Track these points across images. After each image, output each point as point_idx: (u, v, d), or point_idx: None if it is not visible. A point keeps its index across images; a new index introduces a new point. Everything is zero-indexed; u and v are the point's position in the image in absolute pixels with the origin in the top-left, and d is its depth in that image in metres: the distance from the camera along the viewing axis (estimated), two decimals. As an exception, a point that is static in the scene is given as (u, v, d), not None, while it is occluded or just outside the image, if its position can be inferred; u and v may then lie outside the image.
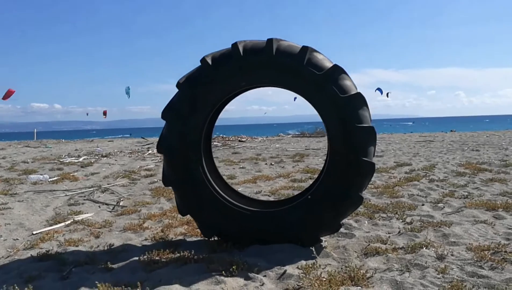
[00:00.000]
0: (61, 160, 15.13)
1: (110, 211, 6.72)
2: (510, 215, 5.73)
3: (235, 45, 4.41)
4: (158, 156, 16.17)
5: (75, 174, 11.17)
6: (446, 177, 9.05)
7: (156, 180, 9.63)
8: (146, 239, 5.04)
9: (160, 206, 6.87)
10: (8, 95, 26.80)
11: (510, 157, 12.98)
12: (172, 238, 5.05)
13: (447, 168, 10.69)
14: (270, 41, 4.39)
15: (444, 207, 6.18)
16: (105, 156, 16.79)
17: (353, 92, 4.29)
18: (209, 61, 4.42)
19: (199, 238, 4.95)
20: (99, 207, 7.04)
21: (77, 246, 4.86)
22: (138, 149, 20.04)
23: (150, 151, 18.36)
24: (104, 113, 47.84)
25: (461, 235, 4.85)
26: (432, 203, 6.48)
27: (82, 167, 13.18)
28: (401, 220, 5.53)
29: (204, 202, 4.53)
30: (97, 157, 16.44)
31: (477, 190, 7.57)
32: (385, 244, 4.57)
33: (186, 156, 4.47)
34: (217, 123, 5.19)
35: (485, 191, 7.46)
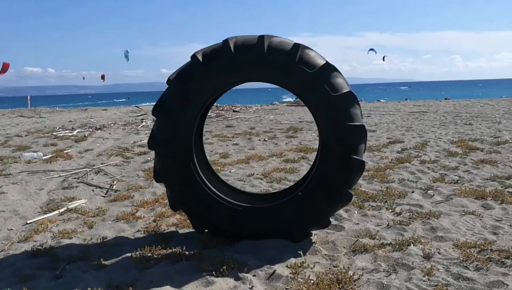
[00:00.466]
0: (55, 133, 15.11)
1: (104, 196, 6.77)
2: (498, 204, 5.82)
3: (226, 42, 4.37)
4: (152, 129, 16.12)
5: (69, 151, 11.17)
6: (437, 158, 9.12)
7: (149, 158, 9.66)
8: (138, 231, 5.11)
9: (153, 191, 6.92)
10: (4, 69, 26.67)
11: (503, 132, 13.06)
12: (164, 229, 5.12)
13: (439, 146, 10.76)
14: (261, 38, 4.35)
15: (433, 195, 6.26)
16: (99, 128, 16.77)
17: (344, 91, 4.29)
18: (200, 58, 4.39)
19: (191, 230, 5.02)
20: (93, 191, 7.09)
21: (70, 238, 4.92)
22: (131, 120, 19.99)
23: (143, 123, 18.33)
24: (102, 77, 48.23)
25: (448, 228, 4.94)
26: (422, 189, 6.56)
27: (76, 141, 13.19)
28: (390, 210, 5.61)
29: (196, 198, 4.57)
30: (91, 130, 16.42)
31: (467, 173, 7.66)
32: (374, 239, 4.66)
33: (177, 152, 4.49)
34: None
35: (476, 175, 7.54)
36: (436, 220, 5.24)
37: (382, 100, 40.11)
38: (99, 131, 15.91)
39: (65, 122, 20.19)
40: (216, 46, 4.48)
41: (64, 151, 10.96)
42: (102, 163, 9.30)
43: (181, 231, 5.08)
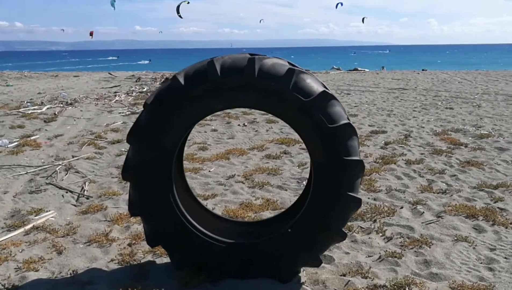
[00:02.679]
0: (22, 110, 14.37)
1: (74, 205, 6.31)
2: (490, 225, 5.59)
3: (211, 63, 3.91)
4: (125, 106, 15.56)
5: (37, 136, 10.57)
6: (422, 156, 8.87)
7: (123, 149, 9.15)
8: (112, 260, 4.71)
9: (126, 198, 6.48)
10: None
11: (484, 120, 12.91)
12: (140, 258, 4.73)
13: (423, 138, 10.54)
14: (251, 60, 3.90)
15: (423, 212, 5.99)
16: (70, 104, 16.05)
17: (342, 122, 3.90)
18: (181, 80, 3.92)
19: (168, 260, 4.63)
20: (63, 196, 6.62)
21: (37, 270, 4.50)
22: (104, 93, 19.24)
23: (117, 98, 17.66)
24: (91, 34, 48.28)
25: (443, 262, 4.68)
26: (411, 204, 6.29)
27: (45, 122, 12.60)
28: (380, 234, 5.32)
29: (176, 233, 4.19)
30: (61, 105, 15.70)
31: (455, 179, 7.42)
32: (366, 278, 4.37)
33: (155, 183, 4.07)
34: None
35: (463, 182, 7.32)
36: (428, 249, 4.98)
37: (359, 68, 39.82)
38: (70, 108, 15.24)
39: (34, 93, 19.33)
40: (200, 67, 4.00)
41: (32, 138, 10.34)
42: (73, 156, 8.77)
43: (158, 260, 4.70)
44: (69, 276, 4.40)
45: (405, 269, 4.57)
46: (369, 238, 5.24)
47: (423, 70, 37.99)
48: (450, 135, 10.99)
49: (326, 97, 3.91)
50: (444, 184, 7.20)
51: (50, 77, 28.78)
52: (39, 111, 14.26)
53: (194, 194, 4.89)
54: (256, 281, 4.18)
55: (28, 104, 15.68)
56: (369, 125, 12.22)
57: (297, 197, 6.26)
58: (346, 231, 4.13)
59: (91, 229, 5.47)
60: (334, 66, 43.10)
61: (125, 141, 4.01)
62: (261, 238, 4.38)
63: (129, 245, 5.06)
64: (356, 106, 15.78)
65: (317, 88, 3.95)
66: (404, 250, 4.97)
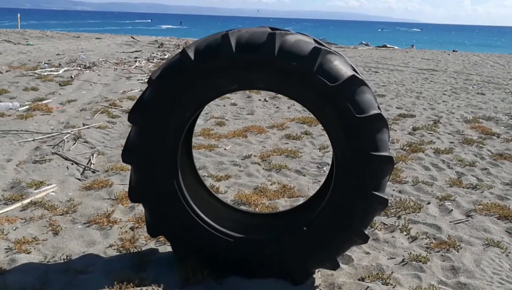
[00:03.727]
0: (38, 71, 14.07)
1: (79, 179, 5.96)
2: (525, 229, 5.09)
3: (226, 37, 3.42)
4: (144, 72, 15.17)
5: (50, 101, 10.25)
6: (452, 145, 8.30)
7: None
8: (111, 246, 4.34)
9: (135, 174, 6.12)
10: None
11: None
12: (142, 244, 4.36)
13: (453, 125, 9.95)
14: (272, 36, 3.40)
15: (451, 209, 5.49)
16: (88, 67, 15.71)
17: (372, 112, 3.41)
18: (191, 55, 3.45)
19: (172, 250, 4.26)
20: (67, 168, 6.27)
21: (29, 253, 4.15)
22: (124, 58, 18.85)
23: (137, 63, 17.27)
24: None
25: (472, 271, 4.21)
26: (438, 199, 5.79)
27: (60, 85, 12.26)
28: (405, 233, 4.86)
29: (180, 223, 3.79)
30: (79, 68, 15.37)
31: (486, 174, 6.88)
32: (387, 284, 3.93)
33: (159, 167, 3.66)
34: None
35: (495, 177, 6.77)
36: (456, 253, 4.51)
37: (389, 45, 38.71)
38: (87, 71, 14.89)
39: (53, 54, 19.03)
40: (213, 41, 3.52)
41: (44, 102, 10.02)
42: (84, 124, 8.41)
43: (161, 249, 4.33)
44: (62, 261, 4.05)
45: (430, 276, 4.12)
46: (393, 237, 4.78)
47: (454, 51, 36.75)
48: (482, 123, 10.37)
49: (355, 83, 3.41)
50: (475, 179, 6.68)
51: (72, 38, 28.48)
52: (55, 73, 13.94)
53: (203, 180, 4.46)
54: (264, 282, 3.77)
55: (46, 65, 15.38)
56: (397, 108, 11.63)
57: (316, 184, 5.83)
58: (368, 233, 3.67)
59: (93, 207, 5.11)
60: (363, 42, 42.01)
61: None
62: (273, 233, 3.96)
63: (131, 228, 4.70)
64: (384, 85, 15.13)
65: (346, 71, 3.45)
66: (430, 253, 4.51)
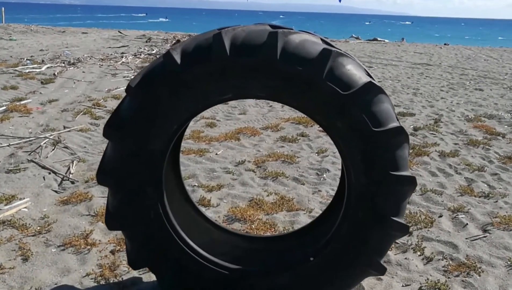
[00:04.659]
0: (19, 69, 13.40)
1: (55, 191, 5.40)
2: (548, 246, 4.62)
3: (218, 38, 2.87)
4: (131, 69, 14.56)
5: (29, 101, 9.63)
6: (456, 147, 7.82)
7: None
8: (88, 275, 3.80)
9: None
10: None
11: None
12: (123, 273, 3.82)
13: (455, 124, 9.48)
14: (273, 36, 2.86)
15: (466, 223, 5.00)
16: (73, 63, 15.06)
17: (391, 125, 2.89)
18: (177, 58, 2.90)
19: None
20: (44, 178, 5.70)
21: (-7, 285, 3.61)
22: (111, 53, 18.19)
23: (123, 59, 16.64)
24: None
25: (499, 300, 3.74)
26: (450, 211, 5.30)
27: (42, 83, 11.63)
28: (419, 253, 4.36)
29: (165, 253, 3.25)
30: (63, 65, 14.72)
31: (497, 180, 6.41)
32: (405, 320, 3.43)
33: (140, 189, 3.11)
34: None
35: (507, 183, 6.30)
36: (478, 277, 4.02)
37: (379, 39, 38.28)
38: (71, 68, 14.24)
39: (36, 50, 18.31)
40: (203, 41, 2.97)
41: (23, 102, 9.40)
42: (64, 127, 7.82)
43: (144, 277, 3.79)
44: (30, 297, 3.51)
45: (453, 308, 3.63)
46: (406, 258, 4.28)
47: (445, 44, 36.40)
48: (484, 122, 9.91)
49: (372, 91, 2.89)
50: (486, 185, 6.20)
51: (57, 33, 27.67)
52: (37, 70, 13.30)
53: (192, 200, 3.91)
54: (264, 320, 3.26)
55: (28, 62, 14.73)
56: (395, 105, 11.10)
57: (316, 194, 5.33)
58: (385, 266, 3.16)
59: (70, 226, 4.56)
60: (353, 35, 41.52)
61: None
62: (275, 264, 3.44)
63: (112, 252, 4.15)
64: (379, 81, 14.63)
65: (360, 77, 2.93)
66: (449, 277, 4.02)
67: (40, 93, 10.50)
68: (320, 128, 7.80)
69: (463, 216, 5.19)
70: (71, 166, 6.14)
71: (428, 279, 3.95)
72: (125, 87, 3.06)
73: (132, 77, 3.07)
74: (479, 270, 4.12)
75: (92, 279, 3.76)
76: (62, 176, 5.81)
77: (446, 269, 4.14)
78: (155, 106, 2.94)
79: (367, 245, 3.08)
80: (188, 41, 3.05)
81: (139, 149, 3.02)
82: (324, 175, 6.16)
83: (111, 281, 3.73)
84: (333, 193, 5.56)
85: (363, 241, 3.08)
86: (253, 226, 4.65)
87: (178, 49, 2.95)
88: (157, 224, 3.19)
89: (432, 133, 8.68)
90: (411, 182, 2.96)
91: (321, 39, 3.17)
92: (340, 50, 3.00)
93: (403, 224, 3.03)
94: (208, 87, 2.92)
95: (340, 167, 6.25)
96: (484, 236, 4.78)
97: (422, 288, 3.84)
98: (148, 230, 3.20)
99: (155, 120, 2.97)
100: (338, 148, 3.01)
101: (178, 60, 2.89)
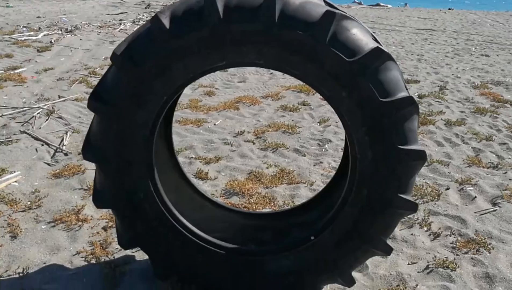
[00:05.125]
0: (15, 36, 13.07)
1: (48, 164, 5.20)
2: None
3: (210, 0, 2.60)
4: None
5: (25, 69, 9.35)
6: (463, 117, 7.55)
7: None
8: (79, 253, 3.63)
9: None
10: None
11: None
12: (115, 251, 3.65)
13: (461, 92, 9.19)
14: (271, -4, 2.59)
15: (475, 196, 4.80)
16: (70, 31, 14.68)
17: (399, 95, 2.66)
18: (166, 23, 2.64)
19: (152, 257, 3.55)
20: (36, 150, 5.50)
21: (-21, 264, 3.44)
22: (109, 21, 17.77)
23: (122, 26, 16.23)
24: None
25: (510, 279, 3.55)
26: (458, 183, 5.09)
27: (38, 51, 11.32)
28: (425, 228, 4.18)
29: (157, 233, 3.06)
30: (60, 32, 14.35)
31: (506, 150, 6.18)
32: (411, 301, 3.27)
33: (129, 164, 2.90)
34: None
35: (516, 153, 6.09)
36: (488, 254, 3.85)
37: (382, 4, 37.46)
38: (68, 35, 13.87)
39: (33, 17, 17.87)
40: (194, 4, 2.70)
41: (17, 71, 9.12)
42: (59, 97, 7.58)
43: (138, 255, 3.62)
44: (16, 276, 3.34)
45: (462, 288, 3.45)
46: (412, 234, 4.10)
47: (449, 9, 35.60)
48: (491, 89, 9.61)
49: (379, 57, 2.64)
50: (494, 156, 5.98)
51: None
52: (34, 38, 12.94)
53: (187, 176, 3.69)
54: (263, 301, 3.09)
55: (24, 29, 14.34)
56: (398, 72, 10.81)
57: (317, 166, 5.12)
58: (391, 246, 2.97)
59: (61, 201, 4.38)
60: (356, 0, 40.63)
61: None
62: (274, 243, 3.26)
63: (104, 228, 3.98)
64: (382, 48, 14.24)
65: (367, 42, 2.67)
66: (458, 255, 3.84)
67: (36, 61, 10.21)
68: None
69: (471, 188, 4.99)
70: (64, 137, 5.93)
71: (435, 256, 3.77)
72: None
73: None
74: (489, 246, 3.94)
75: (82, 257, 3.60)
76: (55, 148, 5.61)
77: (454, 245, 3.96)
78: (142, 75, 2.70)
79: (372, 224, 2.88)
80: (178, 3, 2.78)
81: (126, 123, 2.79)
82: (326, 146, 5.95)
83: (102, 260, 3.56)
84: (335, 165, 5.36)
85: (367, 220, 2.88)
86: (252, 201, 4.46)
87: (166, 13, 2.69)
88: (147, 202, 2.98)
89: (437, 101, 8.41)
90: (421, 156, 2.74)
91: (324, 1, 2.90)
92: (345, 12, 2.74)
93: (411, 201, 2.82)
94: (199, 55, 2.67)
95: (342, 138, 6.04)
96: (494, 210, 4.58)
97: (430, 266, 3.67)
98: (138, 209, 3.00)
99: (142, 91, 2.73)
100: (341, 121, 2.77)
101: (167, 25, 2.63)
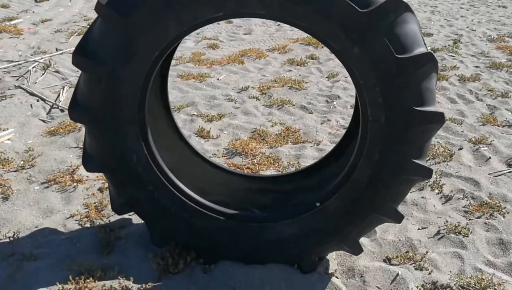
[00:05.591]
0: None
1: (43, 121, 4.99)
2: None
3: None
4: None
5: (21, 20, 9.02)
6: (478, 73, 7.21)
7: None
8: (73, 216, 3.47)
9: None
10: None
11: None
12: (111, 213, 3.47)
13: (476, 46, 8.79)
14: None
15: (489, 157, 4.57)
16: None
17: (417, 51, 2.39)
18: (158, -32, 2.36)
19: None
20: (31, 106, 5.28)
21: (-33, 229, 3.28)
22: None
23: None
24: None
25: (526, 246, 3.37)
26: (472, 143, 4.85)
27: (36, 1, 10.96)
28: (437, 191, 3.98)
29: (153, 198, 2.87)
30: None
31: (523, 107, 5.91)
32: (421, 269, 3.09)
33: (120, 125, 2.68)
34: None
35: (533, 110, 5.81)
36: (502, 219, 3.66)
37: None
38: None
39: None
40: None
41: (14, 22, 8.79)
42: (57, 50, 7.29)
43: (135, 218, 3.44)
44: (7, 241, 3.18)
45: (474, 254, 3.27)
46: (422, 197, 3.90)
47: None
48: (508, 42, 9.20)
49: (396, 8, 2.36)
50: (510, 114, 5.73)
51: None
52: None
53: (184, 136, 3.46)
54: (264, 269, 2.94)
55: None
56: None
57: (325, 124, 4.90)
58: (402, 214, 2.77)
59: (55, 160, 4.19)
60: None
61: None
62: (276, 208, 3.07)
63: (100, 190, 3.80)
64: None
65: (383, -10, 2.38)
66: (470, 219, 3.65)
67: (33, 12, 9.84)
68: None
69: (485, 148, 4.75)
70: (61, 92, 5.69)
71: (447, 221, 3.58)
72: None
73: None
74: (504, 210, 3.74)
75: (76, 221, 3.43)
76: (51, 104, 5.39)
77: (467, 209, 3.76)
78: (130, 28, 2.43)
79: (383, 191, 2.67)
80: None
81: (115, 80, 2.55)
82: (334, 103, 5.69)
83: (97, 224, 3.39)
84: (343, 123, 5.12)
85: (378, 187, 2.66)
86: (255, 161, 4.26)
87: (158, -44, 2.39)
88: (141, 165, 2.78)
89: (451, 55, 8.05)
90: (438, 119, 2.50)
91: None
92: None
93: (426, 167, 2.60)
94: (193, 4, 2.39)
95: (352, 94, 5.78)
96: (509, 172, 4.36)
97: (441, 231, 3.48)
98: (131, 173, 2.79)
99: (131, 46, 2.47)
100: (353, 79, 2.52)
101: (159, -28, 2.34)
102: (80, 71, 2.60)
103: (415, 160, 2.56)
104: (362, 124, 2.60)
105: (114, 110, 2.62)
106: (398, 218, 2.77)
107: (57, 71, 6.38)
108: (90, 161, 2.81)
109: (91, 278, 2.79)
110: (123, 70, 2.51)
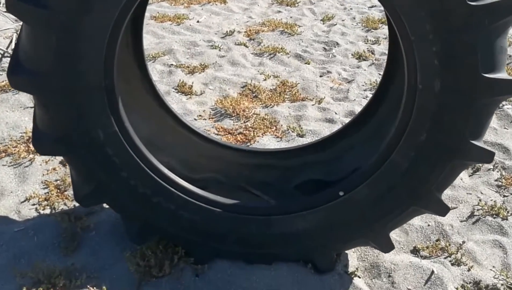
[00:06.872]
0: None
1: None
2: None
3: None
4: None
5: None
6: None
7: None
8: (28, 199, 2.79)
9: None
10: None
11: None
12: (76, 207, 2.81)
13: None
14: None
15: (514, 116, 4.02)
16: None
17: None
18: None
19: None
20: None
21: None
22: None
23: None
24: None
25: None
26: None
27: None
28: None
29: (128, 185, 2.21)
30: None
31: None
32: (459, 264, 2.55)
33: (79, 93, 1.99)
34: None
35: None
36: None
37: None
38: None
39: None
40: None
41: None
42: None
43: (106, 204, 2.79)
44: None
45: (519, 241, 2.75)
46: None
47: None
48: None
49: None
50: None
51: None
52: None
53: (165, 102, 2.73)
54: (272, 270, 2.37)
55: None
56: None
57: (325, 77, 4.25)
58: (448, 206, 2.20)
59: (7, 125, 3.46)
60: None
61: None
62: (285, 196, 2.46)
63: (63, 163, 3.11)
64: None
65: None
66: (505, 196, 3.11)
67: None
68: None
69: (510, 106, 4.18)
70: (14, 37, 4.83)
71: (479, 199, 3.03)
72: None
73: None
74: (539, 185, 3.21)
75: (33, 205, 2.77)
76: (2, 52, 4.55)
77: (499, 183, 3.22)
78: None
79: (427, 179, 2.08)
80: None
81: (70, 34, 1.83)
82: (333, 51, 4.99)
83: (60, 209, 2.73)
84: (346, 75, 4.48)
85: (421, 173, 2.07)
86: (249, 124, 3.60)
87: None
88: (110, 145, 2.10)
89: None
90: (508, 88, 1.87)
91: None
92: None
93: (486, 150, 2.02)
94: None
95: (352, 40, 5.14)
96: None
97: (475, 214, 2.93)
98: (97, 155, 2.12)
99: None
100: (399, 32, 1.86)
101: None
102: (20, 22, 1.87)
103: (473, 141, 1.96)
104: (406, 93, 1.96)
105: (71, 74, 1.91)
106: (443, 210, 2.19)
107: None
108: (42, 141, 2.12)
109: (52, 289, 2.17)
110: (80, 21, 1.79)
